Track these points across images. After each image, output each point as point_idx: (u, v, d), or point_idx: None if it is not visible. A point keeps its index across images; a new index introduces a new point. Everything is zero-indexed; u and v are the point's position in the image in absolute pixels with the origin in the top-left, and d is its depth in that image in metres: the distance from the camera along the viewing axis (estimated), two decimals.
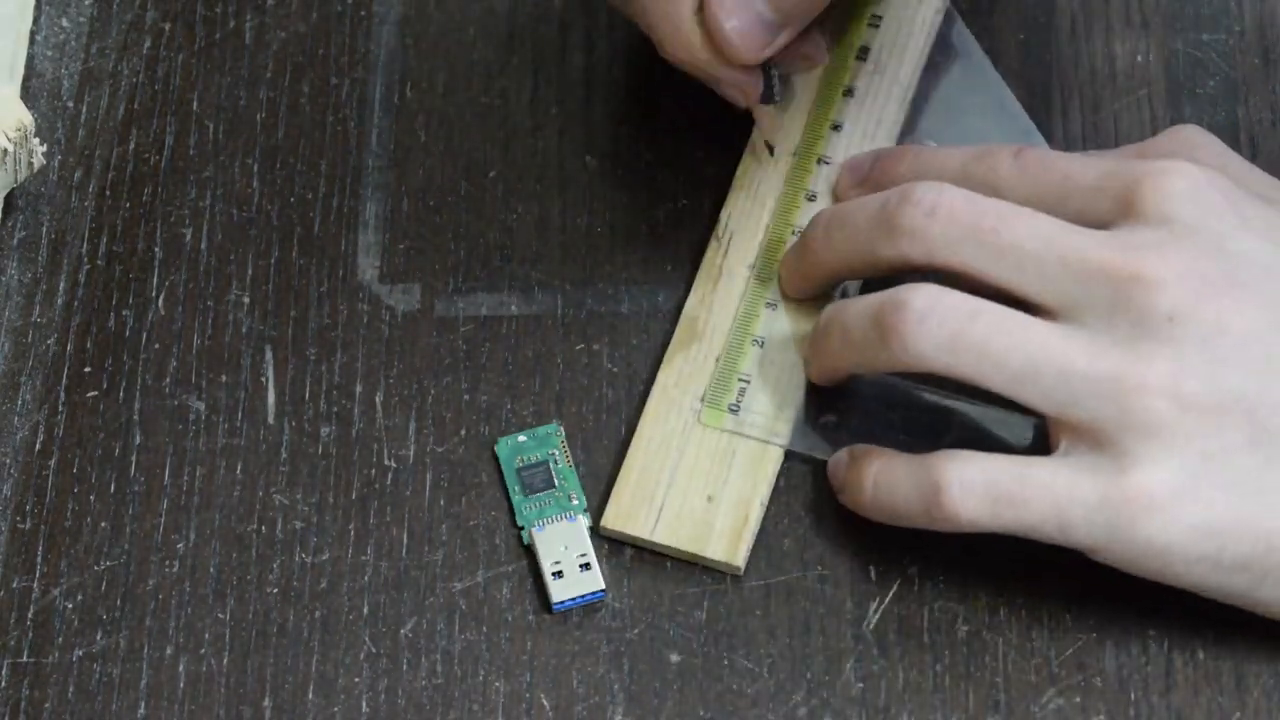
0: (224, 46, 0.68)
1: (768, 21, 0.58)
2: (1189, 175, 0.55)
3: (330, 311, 0.64)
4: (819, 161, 0.63)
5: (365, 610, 0.60)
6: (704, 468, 0.60)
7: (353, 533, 0.61)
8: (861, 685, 0.58)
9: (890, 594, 0.59)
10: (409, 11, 0.68)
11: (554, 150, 0.66)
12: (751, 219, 0.63)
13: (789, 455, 0.60)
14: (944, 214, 0.55)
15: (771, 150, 0.63)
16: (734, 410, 0.60)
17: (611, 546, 0.60)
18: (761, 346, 0.61)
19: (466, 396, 0.62)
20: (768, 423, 0.60)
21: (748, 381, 0.60)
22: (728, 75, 0.59)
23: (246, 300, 0.64)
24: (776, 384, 0.60)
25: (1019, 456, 0.55)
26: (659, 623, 0.59)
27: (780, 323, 0.61)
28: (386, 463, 0.62)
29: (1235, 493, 0.53)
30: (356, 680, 0.59)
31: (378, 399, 0.62)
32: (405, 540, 0.60)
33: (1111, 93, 0.65)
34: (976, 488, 0.54)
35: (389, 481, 0.61)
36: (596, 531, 0.59)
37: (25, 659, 0.59)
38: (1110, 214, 0.55)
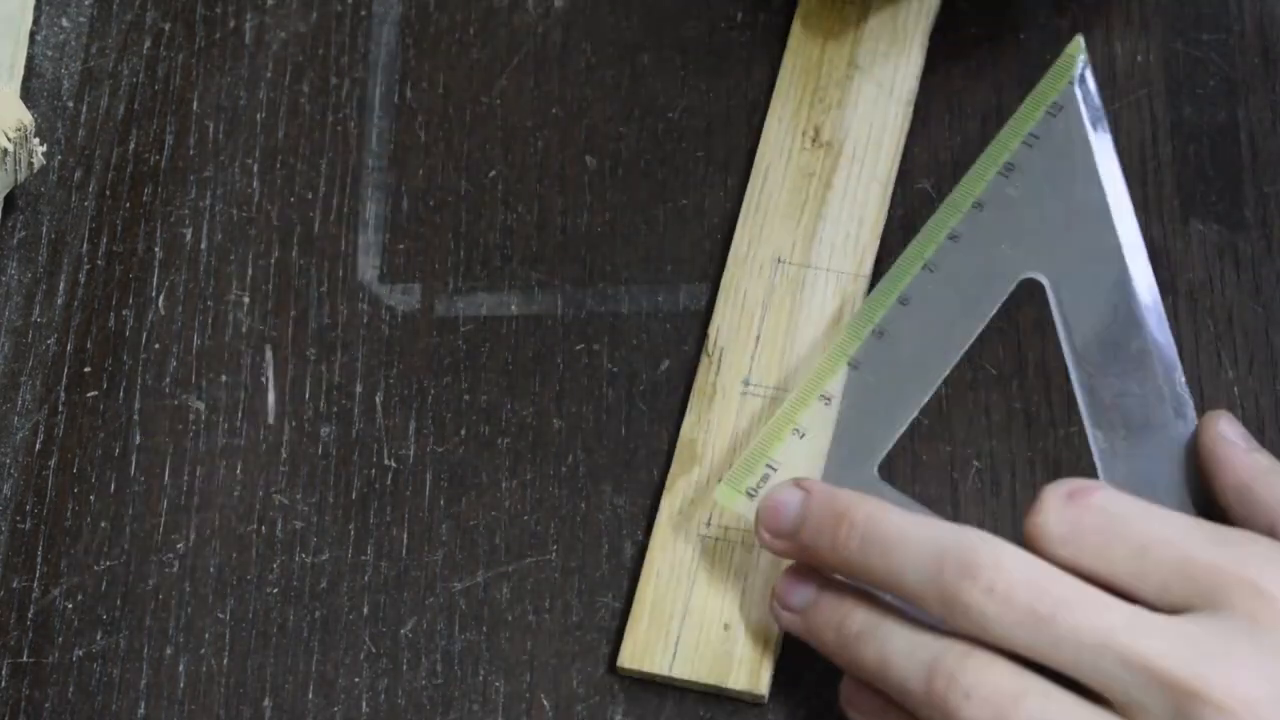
0: (224, 46, 0.68)
1: None
2: (1276, 591, 0.50)
3: (330, 311, 0.64)
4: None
5: (365, 610, 0.60)
6: (718, 594, 0.58)
7: (353, 533, 0.61)
8: None
9: None
10: (409, 11, 0.68)
11: (554, 150, 0.66)
12: (741, 332, 0.62)
13: None
14: (1002, 592, 0.50)
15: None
16: (751, 494, 0.57)
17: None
18: (802, 438, 0.58)
19: (466, 396, 0.62)
20: None
21: (774, 470, 0.58)
22: None
23: (246, 300, 0.64)
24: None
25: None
26: None
27: (827, 420, 0.58)
28: (386, 463, 0.62)
29: None
30: (356, 680, 0.59)
31: (378, 399, 0.62)
32: (405, 540, 0.60)
33: (1111, 93, 0.65)
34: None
35: (389, 481, 0.61)
36: (613, 671, 0.58)
37: (25, 659, 0.59)
38: (1194, 602, 0.50)
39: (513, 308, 0.64)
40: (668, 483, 0.60)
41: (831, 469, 0.58)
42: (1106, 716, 0.50)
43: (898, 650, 0.52)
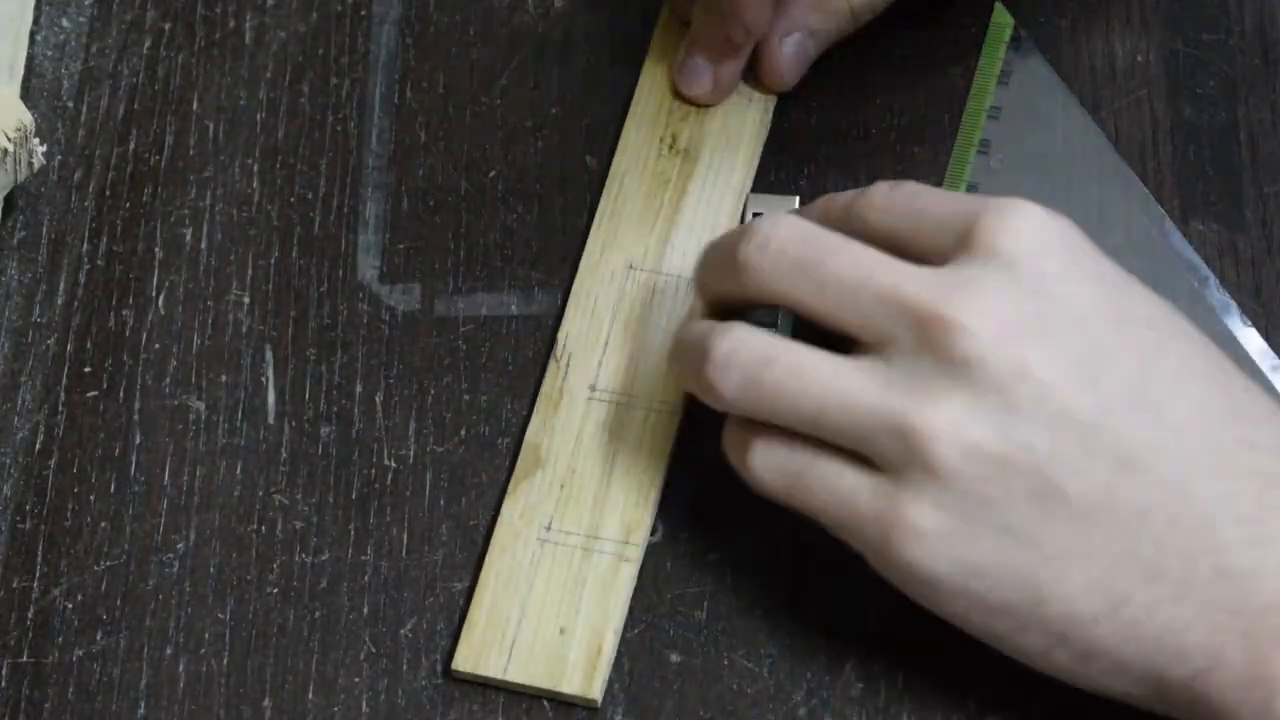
0: (224, 46, 0.68)
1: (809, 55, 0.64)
2: (1030, 214, 0.54)
3: (330, 311, 0.64)
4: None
5: (365, 610, 0.60)
6: (555, 599, 0.58)
7: (353, 533, 0.61)
8: (861, 685, 0.58)
9: (890, 594, 0.59)
10: (409, 11, 0.68)
11: (554, 150, 0.66)
12: (590, 337, 0.62)
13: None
14: (775, 247, 0.55)
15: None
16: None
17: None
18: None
19: (466, 396, 0.62)
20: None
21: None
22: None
23: (246, 300, 0.64)
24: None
25: (820, 444, 0.55)
26: (659, 622, 0.59)
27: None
28: (386, 463, 0.62)
29: (1009, 539, 0.52)
30: (356, 680, 0.59)
31: (378, 399, 0.62)
32: (405, 540, 0.60)
33: (1111, 93, 0.65)
34: (775, 458, 0.55)
35: (389, 481, 0.61)
36: (449, 675, 0.58)
37: (25, 659, 0.59)
38: (950, 248, 0.54)
39: (513, 308, 0.64)
40: (510, 486, 0.60)
41: None
42: (855, 360, 0.54)
43: (687, 340, 0.57)
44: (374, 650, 0.59)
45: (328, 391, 0.63)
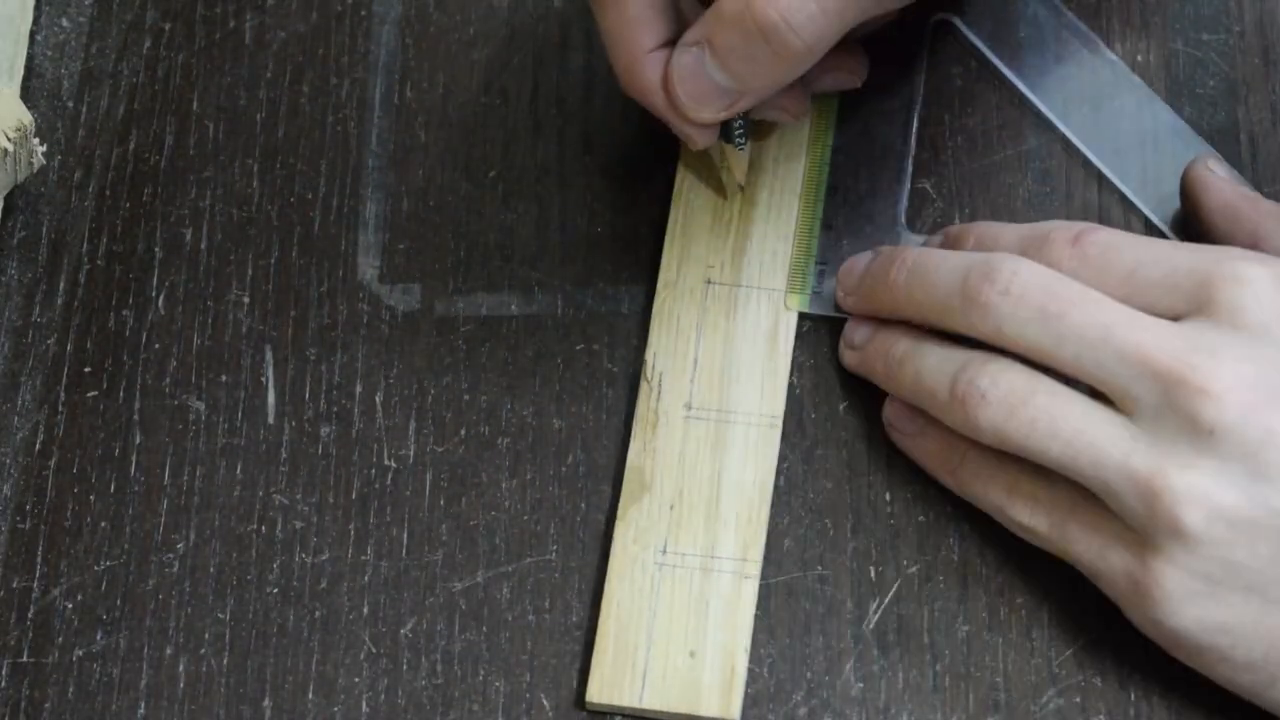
0: (224, 46, 0.68)
1: (725, 89, 0.57)
2: (1259, 275, 0.54)
3: (330, 311, 0.64)
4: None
5: (365, 610, 0.60)
6: (680, 622, 0.58)
7: (353, 533, 0.61)
8: (861, 685, 0.58)
9: (890, 594, 0.59)
10: (409, 11, 0.68)
11: (554, 150, 0.66)
12: (678, 355, 0.61)
13: (784, 466, 0.60)
14: (1017, 293, 0.55)
15: (741, 189, 0.63)
16: (816, 293, 0.62)
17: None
18: (830, 229, 0.62)
19: (466, 396, 0.62)
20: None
21: (825, 265, 0.62)
22: (680, 125, 0.59)
23: (246, 300, 0.64)
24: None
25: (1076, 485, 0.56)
26: None
27: (847, 208, 0.63)
28: (386, 463, 0.62)
29: (1254, 597, 0.53)
30: (356, 680, 0.59)
31: (378, 399, 0.62)
32: (405, 540, 0.60)
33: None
34: (1042, 508, 0.57)
35: (389, 481, 0.61)
36: (582, 707, 0.58)
37: (25, 659, 0.59)
38: (1183, 309, 0.55)
39: (513, 308, 0.64)
40: (619, 511, 0.60)
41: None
42: (1104, 409, 0.55)
43: (929, 367, 0.58)
44: (374, 650, 0.59)
45: (328, 391, 0.63)
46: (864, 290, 0.60)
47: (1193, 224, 0.61)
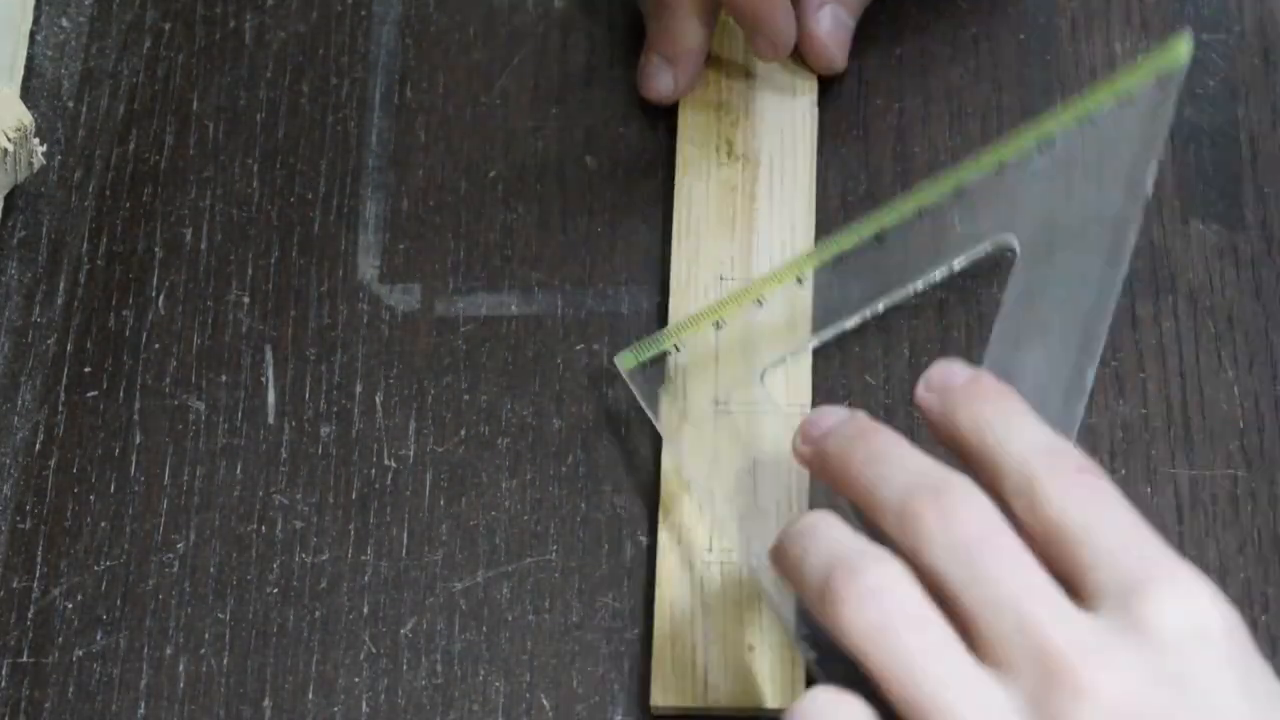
0: (224, 46, 0.68)
1: (852, 28, 0.64)
2: (1202, 595, 0.51)
3: (330, 311, 0.64)
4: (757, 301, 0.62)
5: (365, 610, 0.60)
6: (734, 617, 0.58)
7: (353, 533, 0.61)
8: None
9: None
10: (409, 11, 0.68)
11: (554, 150, 0.66)
12: (700, 354, 0.61)
13: None
14: (954, 521, 0.51)
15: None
16: (644, 366, 0.60)
17: None
18: (719, 330, 0.60)
19: (466, 396, 0.62)
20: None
21: (679, 350, 0.60)
22: (774, 31, 0.63)
23: (246, 300, 0.64)
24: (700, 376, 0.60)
25: None
26: None
27: (748, 317, 0.60)
28: (386, 463, 0.62)
29: None
30: (356, 680, 0.59)
31: (378, 399, 0.62)
32: (405, 540, 0.60)
33: None
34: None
35: (389, 481, 0.61)
36: (648, 711, 0.58)
37: (25, 659, 0.59)
38: (1107, 593, 0.52)
39: (513, 308, 0.64)
40: (661, 514, 0.60)
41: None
42: (987, 673, 0.51)
43: (826, 530, 0.53)
44: (374, 650, 0.59)
45: (328, 391, 0.63)
46: (822, 449, 0.55)
47: None
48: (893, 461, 0.54)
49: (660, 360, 0.60)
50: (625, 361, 0.60)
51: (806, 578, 0.52)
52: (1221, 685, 0.51)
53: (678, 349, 0.60)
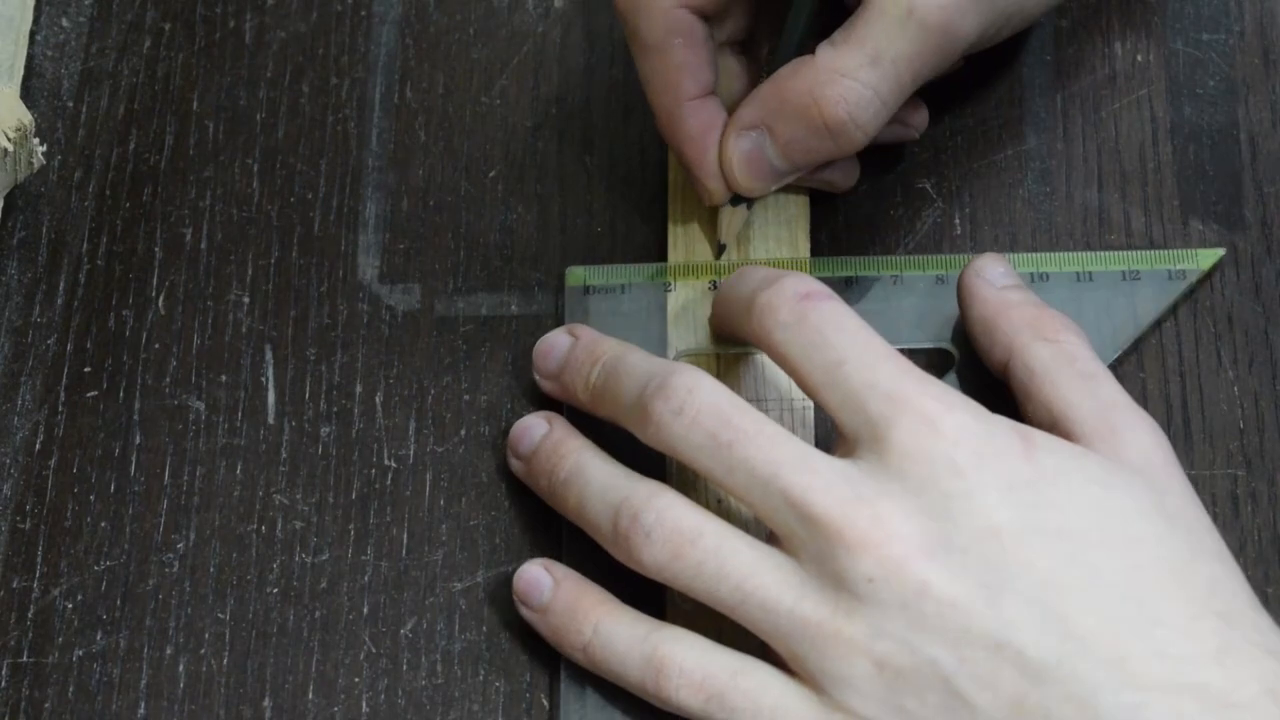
0: (224, 46, 0.68)
1: (782, 171, 0.60)
2: (950, 427, 0.53)
3: (330, 311, 0.64)
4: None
5: (365, 610, 0.60)
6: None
7: (353, 533, 0.61)
8: None
9: None
10: (409, 11, 0.68)
11: (554, 150, 0.66)
12: (702, 348, 0.61)
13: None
14: (689, 417, 0.54)
15: (720, 253, 0.62)
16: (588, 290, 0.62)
17: None
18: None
19: (466, 396, 0.62)
20: None
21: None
22: (704, 181, 0.61)
23: (246, 300, 0.64)
24: None
25: (741, 656, 0.54)
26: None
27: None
28: (386, 463, 0.62)
29: None
30: (356, 680, 0.59)
31: (378, 399, 0.62)
32: (405, 540, 0.60)
33: (1111, 93, 0.65)
34: (693, 677, 0.54)
35: (389, 481, 0.61)
36: None
37: (25, 659, 0.59)
38: (863, 433, 0.53)
39: (513, 308, 0.64)
40: None
41: None
42: (775, 553, 0.53)
43: (593, 494, 0.56)
44: (374, 650, 0.59)
45: (328, 391, 0.63)
46: (563, 382, 0.59)
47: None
48: (623, 372, 0.56)
49: (610, 293, 0.62)
50: (573, 277, 0.62)
51: (596, 523, 0.56)
52: (984, 498, 0.52)
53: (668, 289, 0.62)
